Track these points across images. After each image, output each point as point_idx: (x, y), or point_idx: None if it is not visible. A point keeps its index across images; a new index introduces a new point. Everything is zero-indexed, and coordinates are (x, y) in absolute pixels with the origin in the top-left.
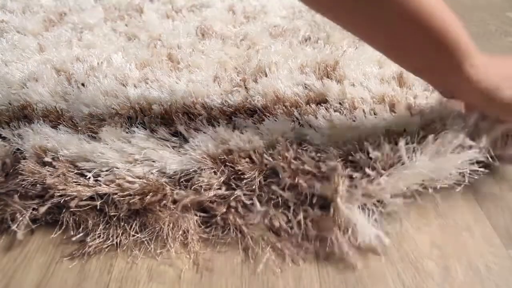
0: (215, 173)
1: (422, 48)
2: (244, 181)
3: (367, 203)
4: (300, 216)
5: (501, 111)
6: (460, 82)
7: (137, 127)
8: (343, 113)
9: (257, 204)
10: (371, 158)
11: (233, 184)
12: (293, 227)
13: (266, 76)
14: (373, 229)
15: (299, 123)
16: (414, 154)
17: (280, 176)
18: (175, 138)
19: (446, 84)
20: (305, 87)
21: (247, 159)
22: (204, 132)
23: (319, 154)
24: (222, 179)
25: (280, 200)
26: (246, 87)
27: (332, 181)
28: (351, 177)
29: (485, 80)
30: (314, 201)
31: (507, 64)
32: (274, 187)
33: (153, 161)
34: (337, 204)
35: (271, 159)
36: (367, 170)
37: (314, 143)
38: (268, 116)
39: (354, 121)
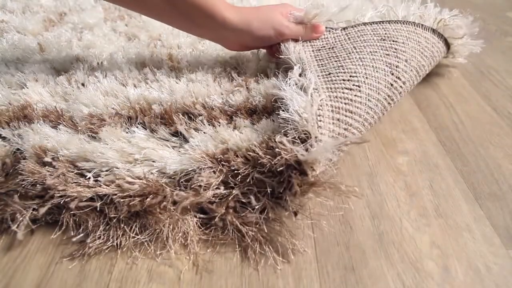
0: (214, 172)
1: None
2: (239, 176)
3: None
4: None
5: (257, 42)
6: (224, 28)
7: (137, 127)
8: None
9: (253, 200)
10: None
11: (231, 183)
12: (290, 215)
13: (267, 77)
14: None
15: None
16: None
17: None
18: (175, 138)
19: (218, 35)
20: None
21: (243, 158)
22: (204, 132)
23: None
24: (221, 178)
25: (276, 191)
26: (247, 87)
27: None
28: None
29: (240, 20)
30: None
31: (255, 8)
32: (261, 176)
33: (153, 161)
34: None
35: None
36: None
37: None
38: (267, 117)
39: None
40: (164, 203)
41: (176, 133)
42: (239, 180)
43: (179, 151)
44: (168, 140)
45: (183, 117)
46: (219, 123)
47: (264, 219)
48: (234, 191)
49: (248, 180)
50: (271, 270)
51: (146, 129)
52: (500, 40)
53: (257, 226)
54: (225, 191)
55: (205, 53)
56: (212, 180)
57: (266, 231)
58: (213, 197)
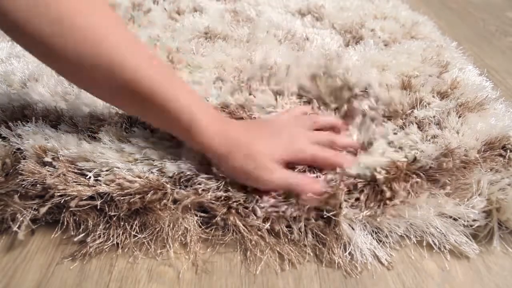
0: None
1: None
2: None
3: (369, 224)
4: (302, 224)
5: (237, 178)
6: (197, 145)
7: (137, 127)
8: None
9: (257, 209)
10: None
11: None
12: (293, 232)
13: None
14: (372, 251)
15: None
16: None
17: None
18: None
19: (194, 146)
20: (306, 91)
21: None
22: None
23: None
24: (223, 181)
25: None
26: (250, 87)
27: (335, 196)
28: (357, 199)
29: (215, 147)
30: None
31: (239, 131)
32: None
33: (153, 160)
34: (339, 221)
35: None
36: (377, 211)
37: None
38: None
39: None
40: (164, 201)
41: None
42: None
43: (179, 150)
44: (168, 140)
45: None
46: None
47: (267, 229)
48: (237, 195)
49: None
50: (271, 270)
51: (146, 129)
52: (500, 40)
53: (260, 232)
54: (226, 193)
55: (205, 54)
56: (211, 184)
57: (268, 240)
58: (213, 198)
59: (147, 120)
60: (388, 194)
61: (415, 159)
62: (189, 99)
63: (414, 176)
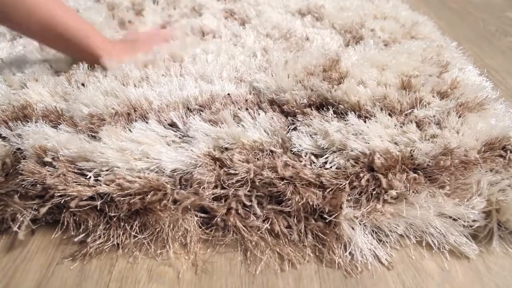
0: (212, 170)
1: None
2: (235, 178)
3: (369, 224)
4: (302, 224)
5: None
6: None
7: (136, 121)
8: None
9: (257, 209)
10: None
11: (225, 186)
12: (292, 233)
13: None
14: (372, 250)
15: (295, 128)
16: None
17: (279, 188)
18: (174, 135)
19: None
20: (306, 88)
21: (243, 158)
22: (202, 131)
23: (318, 163)
24: (221, 177)
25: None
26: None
27: (337, 197)
28: (357, 199)
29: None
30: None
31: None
32: (270, 206)
33: (153, 158)
34: (340, 221)
35: (267, 174)
36: (377, 205)
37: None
38: (266, 112)
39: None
40: (164, 201)
41: (176, 130)
42: (235, 181)
43: (178, 148)
44: (167, 137)
45: (183, 115)
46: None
47: (266, 228)
48: (237, 192)
49: (247, 187)
50: (271, 270)
51: (145, 125)
52: (500, 40)
53: (260, 232)
54: (222, 190)
55: (205, 52)
56: (209, 179)
57: (268, 240)
58: (212, 196)
59: (64, 51)
60: (384, 182)
61: (411, 156)
62: (90, 34)
63: (411, 172)
